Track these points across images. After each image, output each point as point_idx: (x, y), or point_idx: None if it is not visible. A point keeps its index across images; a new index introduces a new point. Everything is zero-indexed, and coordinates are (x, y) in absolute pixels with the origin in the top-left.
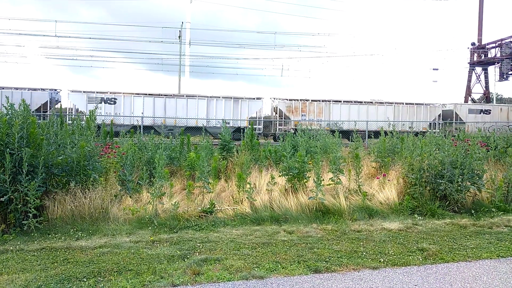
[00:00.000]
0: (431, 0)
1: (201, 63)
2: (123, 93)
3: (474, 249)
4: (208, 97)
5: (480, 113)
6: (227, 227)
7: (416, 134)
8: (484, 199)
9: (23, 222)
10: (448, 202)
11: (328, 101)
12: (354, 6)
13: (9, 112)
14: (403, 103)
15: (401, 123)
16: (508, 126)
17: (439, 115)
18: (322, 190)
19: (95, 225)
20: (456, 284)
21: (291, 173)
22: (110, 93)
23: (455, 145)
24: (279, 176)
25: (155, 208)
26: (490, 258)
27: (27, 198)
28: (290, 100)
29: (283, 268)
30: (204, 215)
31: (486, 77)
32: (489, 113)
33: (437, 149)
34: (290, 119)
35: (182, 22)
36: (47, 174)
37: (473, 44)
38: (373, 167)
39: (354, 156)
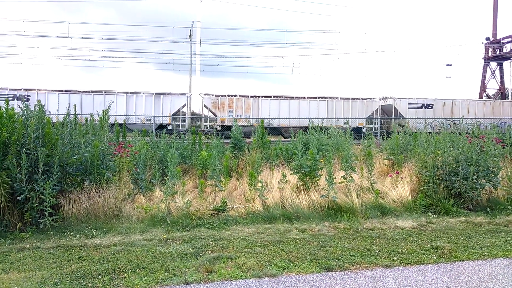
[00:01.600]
0: None
1: (212, 62)
2: (37, 89)
3: (489, 248)
4: (127, 93)
5: (421, 108)
6: (239, 225)
7: (353, 130)
8: (500, 197)
9: (39, 220)
10: (462, 200)
11: (257, 96)
12: (365, 2)
13: (25, 113)
14: (337, 98)
15: (337, 118)
16: (453, 121)
17: (377, 110)
18: (334, 188)
19: (109, 224)
20: (472, 283)
21: (302, 171)
22: (24, 89)
23: (470, 142)
24: (291, 174)
25: (168, 207)
26: (507, 257)
27: (43, 197)
28: (216, 95)
29: (295, 266)
30: (216, 213)
31: (501, 72)
32: (431, 107)
33: (451, 146)
34: (216, 115)
35: (193, 22)
36: (62, 173)
37: (487, 39)
38: (385, 164)
39: (366, 153)
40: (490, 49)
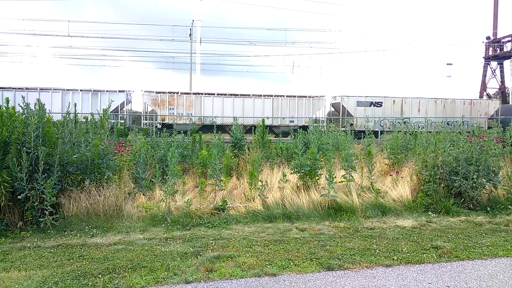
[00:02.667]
0: None
1: (212, 61)
2: None
3: (490, 247)
4: (63, 90)
5: (370, 106)
6: (239, 224)
7: (300, 128)
8: (500, 196)
9: (39, 219)
10: (463, 199)
11: (200, 93)
12: (365, 1)
13: (25, 112)
14: (283, 96)
15: (285, 116)
16: (403, 120)
17: (324, 108)
18: (334, 188)
19: (110, 222)
20: (472, 282)
21: (303, 171)
22: None
23: (470, 141)
24: (291, 173)
25: (168, 206)
26: (507, 256)
27: (43, 196)
28: (157, 92)
29: (295, 266)
30: (216, 213)
31: (501, 71)
32: (381, 105)
33: (451, 146)
34: (156, 113)
35: (193, 20)
36: (63, 172)
37: (488, 38)
38: (385, 164)
39: (366, 153)
40: (491, 48)
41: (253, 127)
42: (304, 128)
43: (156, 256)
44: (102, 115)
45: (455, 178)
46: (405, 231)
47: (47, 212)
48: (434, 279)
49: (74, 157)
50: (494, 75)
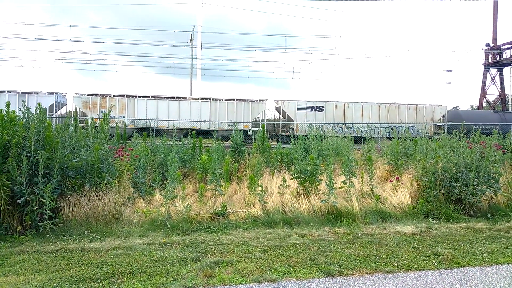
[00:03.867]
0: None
1: (212, 66)
2: None
3: (490, 254)
4: None
5: (311, 110)
6: (239, 230)
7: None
8: (500, 203)
9: (39, 223)
10: (463, 205)
11: (133, 96)
12: (365, 8)
13: (26, 116)
14: (221, 99)
15: (224, 121)
16: (346, 125)
17: (264, 113)
18: (334, 193)
19: (109, 227)
20: None
21: (303, 176)
22: None
23: (471, 148)
24: (291, 179)
25: (168, 211)
26: (507, 263)
27: (43, 200)
28: (88, 95)
29: (295, 272)
30: (216, 218)
31: (501, 78)
32: (322, 110)
33: (451, 152)
34: (87, 116)
35: (194, 26)
36: (62, 176)
37: (487, 45)
38: (386, 170)
39: (366, 159)
40: (490, 55)
41: (190, 132)
42: (244, 132)
43: (156, 261)
44: (102, 119)
45: (455, 184)
46: (405, 237)
47: (46, 217)
48: (434, 286)
49: (74, 162)
50: (494, 82)
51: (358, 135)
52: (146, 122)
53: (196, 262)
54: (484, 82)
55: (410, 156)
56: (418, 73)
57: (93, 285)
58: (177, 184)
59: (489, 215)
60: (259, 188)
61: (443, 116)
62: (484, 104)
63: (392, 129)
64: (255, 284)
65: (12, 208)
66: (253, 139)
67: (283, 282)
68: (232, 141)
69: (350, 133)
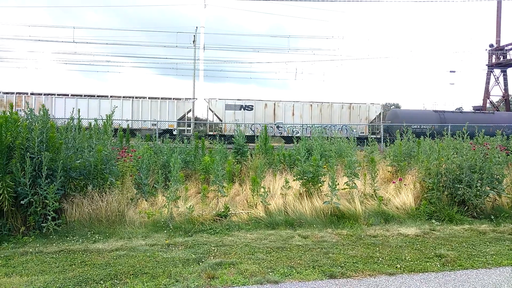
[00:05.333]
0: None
1: (215, 67)
2: None
3: (494, 256)
4: None
5: (240, 109)
6: (242, 231)
7: (163, 132)
8: (504, 205)
9: (42, 224)
10: (466, 207)
11: (51, 94)
12: (368, 8)
13: (29, 117)
14: (145, 98)
15: (148, 120)
16: (275, 124)
17: (190, 111)
18: (337, 195)
19: (112, 228)
20: None
21: (305, 177)
22: None
23: (474, 149)
24: (294, 180)
25: (171, 212)
26: (511, 265)
27: (46, 201)
28: (4, 93)
29: (297, 273)
30: (219, 219)
31: (505, 79)
32: (251, 109)
33: (455, 153)
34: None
35: (197, 27)
36: (66, 177)
37: (491, 45)
38: (388, 171)
39: (369, 160)
40: (494, 56)
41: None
42: (169, 132)
43: (158, 263)
44: (105, 120)
45: (458, 186)
46: (408, 239)
47: (49, 217)
48: None
49: (77, 163)
50: (498, 83)
51: (289, 135)
52: (65, 121)
53: (199, 263)
54: (487, 83)
55: (413, 157)
56: (422, 74)
57: (96, 286)
58: (180, 185)
59: (492, 217)
60: (262, 189)
61: (379, 115)
62: (488, 105)
63: (324, 128)
64: (257, 285)
65: (16, 209)
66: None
67: (285, 284)
68: (234, 142)
69: (281, 133)
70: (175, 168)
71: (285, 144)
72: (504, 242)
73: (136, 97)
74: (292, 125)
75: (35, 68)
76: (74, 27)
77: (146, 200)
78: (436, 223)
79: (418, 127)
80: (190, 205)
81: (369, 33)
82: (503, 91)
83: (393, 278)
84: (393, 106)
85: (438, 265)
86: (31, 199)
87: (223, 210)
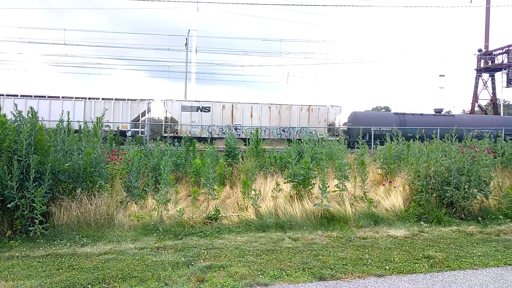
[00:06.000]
0: (437, 7)
1: (207, 70)
2: None
3: (481, 257)
4: None
5: (197, 111)
6: (232, 234)
7: (115, 134)
8: (491, 206)
9: (29, 228)
10: (454, 209)
11: (1, 95)
12: (359, 13)
13: (17, 119)
14: (98, 98)
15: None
16: (233, 126)
17: (144, 112)
18: (327, 197)
19: (101, 232)
20: None
21: (296, 180)
22: None
23: (462, 152)
24: (284, 182)
25: (160, 215)
26: (497, 266)
27: (33, 204)
28: None
29: (287, 276)
30: (209, 222)
31: (493, 83)
32: (209, 110)
33: (443, 156)
34: None
35: (189, 30)
36: (54, 180)
37: (480, 50)
38: (378, 173)
39: (359, 162)
40: (482, 61)
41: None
42: (122, 133)
43: (147, 266)
44: (95, 123)
45: (447, 188)
46: (397, 240)
47: (37, 221)
48: None
49: (66, 166)
50: (486, 87)
51: (247, 137)
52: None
53: (188, 267)
54: (476, 87)
55: (403, 160)
56: (412, 78)
57: None
58: (170, 188)
59: (480, 219)
60: (253, 192)
61: (338, 117)
62: (476, 109)
63: (283, 130)
64: None
65: (2, 213)
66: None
67: (275, 286)
68: (226, 145)
69: (239, 135)
70: (165, 170)
71: (245, 147)
72: (491, 243)
73: (89, 98)
74: (250, 127)
75: (25, 70)
76: (65, 29)
77: (135, 203)
78: (424, 224)
79: (378, 129)
80: (180, 208)
81: (360, 37)
82: (491, 95)
83: (382, 279)
84: (383, 110)
85: (426, 266)
86: (18, 203)
87: (213, 213)
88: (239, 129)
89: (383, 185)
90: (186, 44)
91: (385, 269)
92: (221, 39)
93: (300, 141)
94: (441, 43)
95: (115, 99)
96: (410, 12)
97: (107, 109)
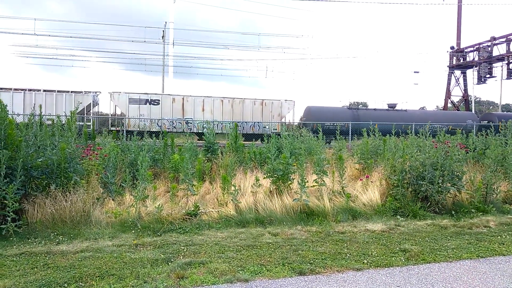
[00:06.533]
0: (412, 4)
1: (185, 64)
2: None
3: (454, 250)
4: None
5: (145, 104)
6: (212, 230)
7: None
8: (464, 200)
9: (1, 226)
10: (429, 203)
11: None
12: (337, 9)
13: None
14: (39, 90)
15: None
16: (184, 120)
17: (89, 105)
18: (306, 192)
19: (77, 229)
20: (438, 284)
21: (275, 175)
22: None
23: (436, 147)
24: (264, 178)
25: (138, 211)
26: (470, 259)
27: (5, 201)
28: None
29: (267, 271)
30: (188, 218)
31: (465, 80)
32: (158, 103)
33: (418, 151)
34: None
35: (166, 22)
36: (26, 176)
37: (452, 48)
38: (356, 168)
39: (337, 158)
40: (455, 58)
41: None
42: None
43: (126, 264)
44: (70, 117)
45: (421, 182)
46: (374, 234)
47: (9, 219)
48: (402, 282)
49: (39, 161)
50: (458, 84)
51: (200, 131)
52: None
53: (168, 264)
54: (449, 83)
55: (380, 155)
56: (388, 73)
57: None
58: (148, 184)
59: (453, 212)
60: (232, 188)
61: (292, 112)
62: (449, 105)
63: (236, 125)
64: (227, 284)
65: None
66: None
67: (255, 282)
68: (205, 140)
69: (190, 129)
70: (143, 166)
71: (199, 141)
72: (464, 236)
73: (29, 90)
74: (202, 121)
75: None
76: (36, 18)
77: (113, 199)
78: (401, 218)
79: (331, 124)
80: (159, 204)
81: (338, 33)
82: (463, 92)
83: (360, 273)
84: (361, 105)
85: (403, 260)
86: None
87: (193, 209)
88: (191, 123)
89: (360, 180)
90: (163, 37)
91: (363, 263)
92: (199, 32)
93: (253, 136)
94: (415, 40)
95: (58, 91)
96: (386, 9)
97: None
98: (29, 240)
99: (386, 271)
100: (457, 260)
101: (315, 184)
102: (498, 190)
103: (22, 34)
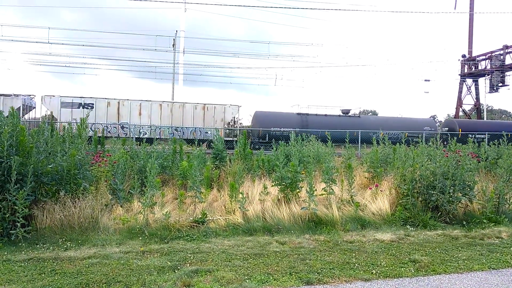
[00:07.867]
0: (422, 13)
1: (195, 72)
2: None
3: (465, 261)
4: None
5: (79, 108)
6: (219, 238)
7: None
8: (475, 210)
9: (10, 231)
10: (440, 213)
11: None
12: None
13: None
14: None
15: None
16: (119, 124)
17: (19, 109)
18: (314, 200)
19: (85, 235)
20: None
21: (283, 183)
22: None
23: (447, 156)
24: (272, 185)
25: (146, 218)
26: (482, 270)
27: (15, 207)
28: None
29: (274, 280)
30: (196, 225)
31: (476, 88)
32: (92, 107)
33: (429, 160)
34: None
35: (176, 31)
36: (36, 183)
37: (463, 56)
38: (365, 177)
39: (347, 166)
40: (466, 66)
41: None
42: None
43: (132, 271)
44: (80, 123)
45: (432, 192)
46: (383, 244)
47: (18, 224)
48: None
49: (49, 167)
50: (470, 92)
51: (136, 136)
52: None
53: (174, 271)
54: (460, 92)
55: (389, 163)
56: (398, 82)
57: None
58: (156, 191)
59: (464, 223)
60: (240, 195)
61: (236, 117)
62: (461, 113)
63: (176, 130)
64: None
65: None
66: None
67: None
68: (213, 147)
69: (126, 134)
70: (151, 173)
71: (140, 147)
72: (475, 247)
73: None
74: (139, 126)
75: (7, 69)
76: (50, 27)
77: (121, 206)
78: (410, 228)
79: (278, 130)
80: (167, 211)
81: (348, 41)
82: (475, 100)
83: (369, 283)
84: (370, 113)
85: (412, 270)
86: None
87: (200, 216)
88: (126, 128)
89: (370, 188)
90: (173, 45)
91: (372, 273)
92: (209, 41)
93: (193, 142)
94: (426, 48)
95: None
96: (397, 17)
97: None
98: (38, 245)
99: (395, 282)
100: (468, 271)
101: (324, 192)
102: (511, 201)
103: (36, 42)
